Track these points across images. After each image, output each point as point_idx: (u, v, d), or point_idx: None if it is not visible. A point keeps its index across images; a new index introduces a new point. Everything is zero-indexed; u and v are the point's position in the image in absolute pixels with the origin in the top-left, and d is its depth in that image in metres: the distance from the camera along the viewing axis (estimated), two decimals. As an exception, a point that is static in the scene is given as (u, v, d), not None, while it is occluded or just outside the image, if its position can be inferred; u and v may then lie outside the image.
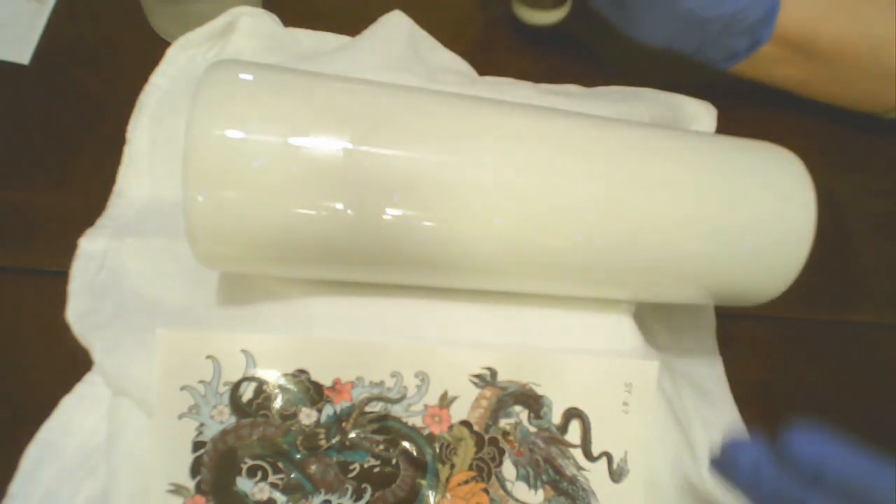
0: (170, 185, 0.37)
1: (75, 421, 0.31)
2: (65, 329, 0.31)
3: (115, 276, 0.33)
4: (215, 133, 0.25)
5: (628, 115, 0.42)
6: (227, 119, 0.25)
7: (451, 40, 0.44)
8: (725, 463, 0.25)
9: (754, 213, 0.30)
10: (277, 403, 0.29)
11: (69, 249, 0.34)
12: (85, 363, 0.32)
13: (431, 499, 0.30)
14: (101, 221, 0.35)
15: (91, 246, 0.34)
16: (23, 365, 0.34)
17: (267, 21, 0.42)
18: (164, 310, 0.32)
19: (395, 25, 0.42)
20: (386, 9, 0.43)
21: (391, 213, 0.27)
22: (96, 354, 0.30)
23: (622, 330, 0.34)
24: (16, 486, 0.30)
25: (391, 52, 0.41)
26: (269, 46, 0.42)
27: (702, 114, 0.44)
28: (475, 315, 0.33)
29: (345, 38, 0.44)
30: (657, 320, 0.39)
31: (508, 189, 0.28)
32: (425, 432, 0.30)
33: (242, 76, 0.27)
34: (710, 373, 0.38)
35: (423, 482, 0.30)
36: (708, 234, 0.30)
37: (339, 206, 0.27)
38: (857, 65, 0.40)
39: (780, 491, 0.23)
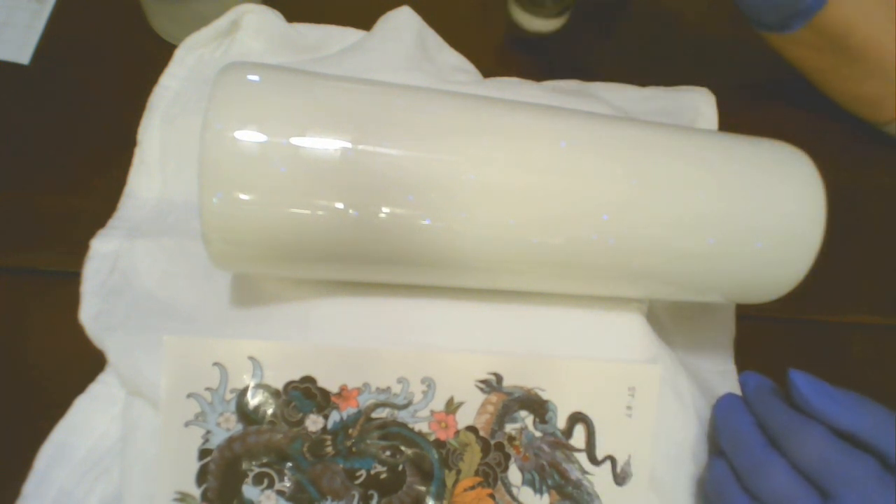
0: (180, 185, 0.36)
1: (89, 421, 0.31)
2: (78, 330, 0.31)
3: (127, 277, 0.33)
4: (230, 136, 0.25)
5: (629, 108, 0.42)
6: (242, 122, 0.25)
7: (451, 41, 0.44)
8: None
9: (766, 210, 0.30)
10: (284, 410, 0.29)
11: (79, 250, 0.33)
12: (98, 363, 0.32)
13: (438, 505, 0.30)
14: (112, 223, 0.35)
15: (103, 247, 0.34)
16: (36, 365, 0.34)
17: (271, 17, 0.41)
18: (175, 310, 0.32)
19: (405, 23, 0.41)
20: (386, 2, 0.43)
21: (408, 213, 0.27)
22: (110, 356, 0.30)
23: (635, 329, 0.34)
24: (29, 486, 0.30)
25: (401, 51, 0.40)
26: (277, 44, 0.41)
27: (701, 101, 0.44)
28: (485, 314, 0.33)
29: (349, 31, 0.44)
30: (674, 320, 0.39)
31: (522, 189, 0.28)
32: (431, 438, 0.30)
33: (255, 78, 0.27)
34: (722, 376, 0.38)
35: (430, 488, 0.30)
36: (720, 233, 0.30)
37: (355, 206, 0.26)
38: (879, 66, 0.42)
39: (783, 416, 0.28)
